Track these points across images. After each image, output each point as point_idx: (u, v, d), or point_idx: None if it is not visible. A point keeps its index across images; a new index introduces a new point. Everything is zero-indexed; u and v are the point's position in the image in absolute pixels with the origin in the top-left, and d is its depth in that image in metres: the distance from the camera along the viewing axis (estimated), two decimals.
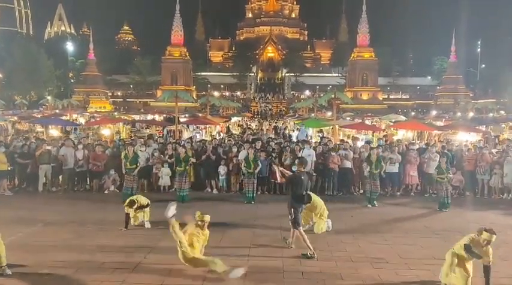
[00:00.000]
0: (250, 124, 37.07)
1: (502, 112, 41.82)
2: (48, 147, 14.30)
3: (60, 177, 14.29)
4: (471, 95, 64.68)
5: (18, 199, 12.71)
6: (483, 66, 71.99)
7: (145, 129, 29.00)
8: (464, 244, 6.19)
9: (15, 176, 14.33)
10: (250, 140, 17.50)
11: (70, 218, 10.36)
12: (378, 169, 12.09)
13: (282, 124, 37.63)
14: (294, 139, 20.91)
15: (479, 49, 70.76)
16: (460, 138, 19.88)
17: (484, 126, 24.93)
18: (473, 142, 17.52)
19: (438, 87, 69.19)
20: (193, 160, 13.28)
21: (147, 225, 9.57)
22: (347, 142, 16.15)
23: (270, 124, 35.31)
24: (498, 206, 12.35)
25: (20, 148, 14.42)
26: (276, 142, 16.76)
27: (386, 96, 73.75)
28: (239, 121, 40.87)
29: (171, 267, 7.14)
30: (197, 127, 26.84)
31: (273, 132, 28.39)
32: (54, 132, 24.00)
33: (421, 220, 10.77)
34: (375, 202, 12.17)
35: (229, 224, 9.92)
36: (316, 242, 8.72)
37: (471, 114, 39.04)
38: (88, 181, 14.39)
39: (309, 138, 22.27)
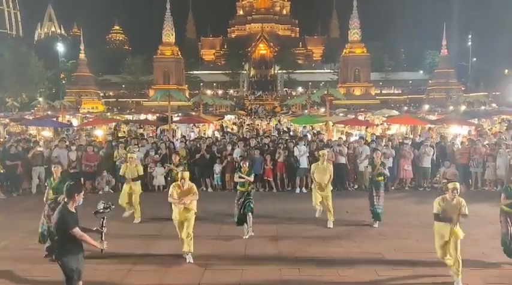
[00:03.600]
0: (247, 122, 36.76)
1: (494, 105, 41.99)
2: (41, 148, 14.18)
3: None
4: (463, 88, 64.83)
5: (11, 202, 12.61)
6: (474, 59, 72.30)
7: (139, 128, 28.75)
8: (434, 213, 6.46)
9: (8, 178, 14.20)
10: (248, 137, 17.47)
11: None
12: (381, 176, 9.92)
13: (278, 122, 37.40)
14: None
15: (470, 43, 71.01)
16: (452, 131, 19.98)
17: (476, 119, 25.11)
18: (466, 135, 17.62)
19: (430, 81, 69.34)
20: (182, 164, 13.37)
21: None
22: (340, 137, 16.14)
23: (268, 123, 35.05)
24: (492, 199, 12.35)
25: (8, 149, 14.28)
26: (269, 139, 16.70)
27: (378, 91, 73.75)
28: (233, 118, 40.70)
29: (168, 266, 7.14)
30: (193, 125, 26.70)
31: (272, 132, 27.40)
32: (47, 133, 23.81)
33: (415, 213, 10.80)
34: (381, 217, 9.83)
35: (225, 222, 9.90)
36: (312, 237, 8.76)
37: (463, 108, 39.18)
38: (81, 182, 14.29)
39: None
